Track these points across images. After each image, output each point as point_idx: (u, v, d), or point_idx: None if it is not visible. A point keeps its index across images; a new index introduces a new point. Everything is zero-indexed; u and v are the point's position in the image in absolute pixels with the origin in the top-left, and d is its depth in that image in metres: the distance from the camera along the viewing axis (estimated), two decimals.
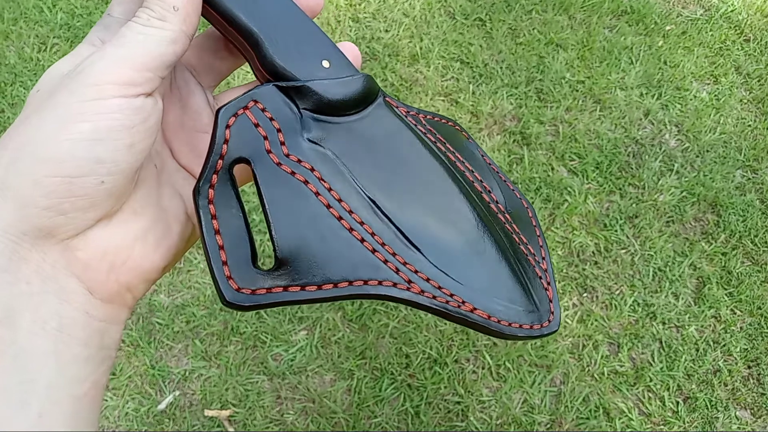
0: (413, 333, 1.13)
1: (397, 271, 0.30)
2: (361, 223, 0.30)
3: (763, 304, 1.23)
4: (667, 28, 1.63)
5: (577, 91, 1.49)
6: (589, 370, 1.14)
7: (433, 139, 0.35)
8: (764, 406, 1.14)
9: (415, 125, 0.35)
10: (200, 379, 1.09)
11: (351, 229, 0.29)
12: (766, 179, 1.40)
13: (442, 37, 1.55)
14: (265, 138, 0.30)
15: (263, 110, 0.30)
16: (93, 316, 0.27)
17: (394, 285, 0.29)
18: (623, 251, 1.27)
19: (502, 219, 0.35)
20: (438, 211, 0.32)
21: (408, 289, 0.30)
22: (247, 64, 0.34)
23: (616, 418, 1.10)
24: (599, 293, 1.22)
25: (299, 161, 0.30)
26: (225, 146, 0.29)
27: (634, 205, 1.33)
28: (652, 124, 1.46)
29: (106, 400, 1.05)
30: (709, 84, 1.55)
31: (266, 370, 1.09)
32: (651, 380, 1.14)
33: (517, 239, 0.34)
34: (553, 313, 0.33)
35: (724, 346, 1.19)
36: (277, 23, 0.32)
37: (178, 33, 0.28)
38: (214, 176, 0.28)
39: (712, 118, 1.48)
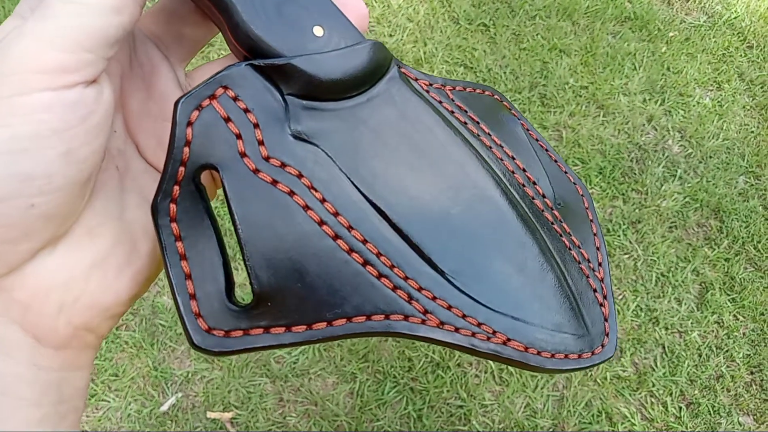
0: None
1: (410, 299, 0.24)
2: (364, 242, 0.24)
3: (766, 310, 1.23)
4: (671, 34, 1.64)
5: (580, 96, 1.49)
6: (591, 374, 1.14)
7: (462, 120, 0.28)
8: (767, 411, 1.13)
9: (440, 102, 0.28)
10: (203, 381, 1.09)
11: (350, 251, 0.24)
12: None
13: (446, 42, 1.56)
14: (239, 137, 0.23)
15: (235, 99, 0.23)
16: (44, 367, 0.22)
17: (406, 318, 0.24)
18: (626, 256, 1.27)
19: (549, 218, 0.28)
20: (465, 218, 0.26)
21: (423, 322, 0.24)
22: None
23: (618, 423, 1.10)
24: None
25: (283, 165, 0.23)
26: (186, 149, 0.23)
27: (637, 211, 1.33)
28: (656, 129, 1.46)
29: (109, 402, 1.05)
30: (712, 90, 1.56)
31: (269, 373, 1.10)
32: (654, 385, 1.13)
33: (567, 243, 0.28)
34: (608, 335, 0.27)
35: (726, 351, 1.19)
36: None
37: None
38: (176, 188, 0.22)
39: (715, 125, 1.48)
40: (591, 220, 0.30)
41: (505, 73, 1.51)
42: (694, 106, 1.51)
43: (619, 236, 1.29)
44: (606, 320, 0.27)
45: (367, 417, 1.07)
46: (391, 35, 1.56)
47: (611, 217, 1.32)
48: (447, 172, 0.26)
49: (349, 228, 0.24)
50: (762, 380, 1.16)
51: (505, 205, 0.26)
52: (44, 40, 0.19)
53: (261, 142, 0.23)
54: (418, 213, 0.25)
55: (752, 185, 1.40)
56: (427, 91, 0.28)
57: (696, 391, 1.14)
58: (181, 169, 0.22)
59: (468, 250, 0.25)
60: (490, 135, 0.28)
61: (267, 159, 0.23)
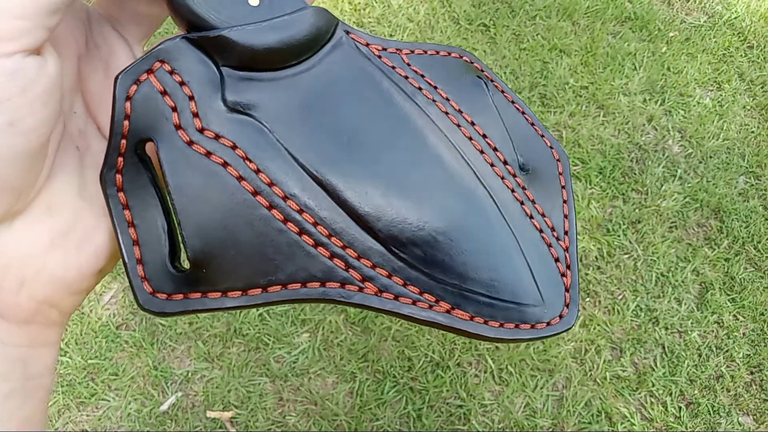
0: (416, 336, 1.14)
1: (348, 268, 0.24)
2: (300, 211, 0.24)
3: (765, 310, 1.23)
4: (671, 34, 1.64)
5: (580, 96, 1.49)
6: (591, 374, 1.14)
7: (417, 85, 0.27)
8: (767, 411, 1.13)
9: (393, 68, 0.27)
10: (203, 380, 1.09)
11: (285, 220, 0.24)
12: None
13: (446, 42, 1.56)
14: (174, 109, 0.24)
15: (171, 72, 0.24)
16: (8, 343, 0.22)
17: (342, 286, 0.24)
18: (626, 256, 1.27)
19: (509, 185, 0.27)
20: (411, 187, 0.25)
21: (361, 290, 0.24)
22: None
23: (618, 422, 1.10)
24: (602, 298, 1.22)
25: (217, 137, 0.24)
26: (126, 123, 0.23)
27: (637, 211, 1.33)
28: (656, 129, 1.46)
29: (108, 401, 1.06)
30: (712, 90, 1.56)
31: (269, 372, 1.10)
32: (653, 385, 1.13)
33: (528, 211, 0.27)
34: (568, 306, 0.26)
35: (726, 351, 1.19)
36: None
37: None
38: (120, 159, 0.24)
39: (715, 125, 1.48)
40: (563, 186, 0.28)
41: (505, 73, 1.51)
42: (694, 106, 1.51)
43: (619, 236, 1.29)
44: (567, 290, 0.27)
45: (366, 416, 1.07)
46: (391, 35, 1.56)
47: (611, 217, 1.32)
48: (392, 141, 0.25)
49: (285, 198, 0.24)
50: (762, 380, 1.16)
51: (456, 173, 0.26)
52: None
53: (196, 114, 0.24)
54: (359, 182, 0.25)
55: (752, 185, 1.40)
56: (379, 56, 0.27)
57: (696, 391, 1.14)
58: (123, 141, 0.23)
59: (412, 218, 0.25)
60: (448, 100, 0.27)
61: (202, 131, 0.24)
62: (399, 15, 1.60)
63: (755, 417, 1.13)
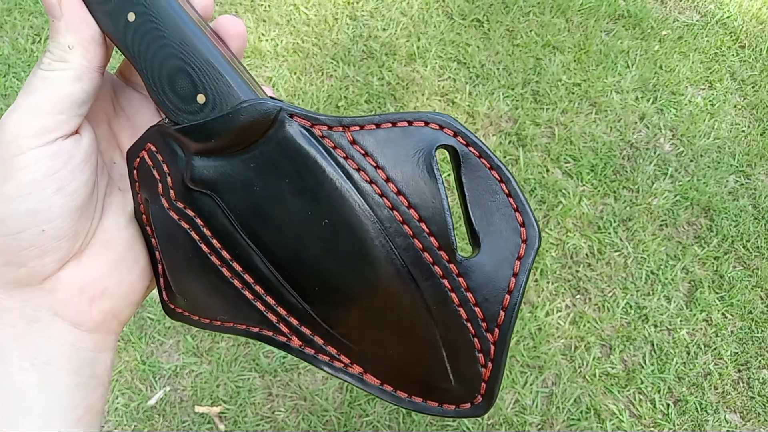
0: None
1: (279, 321, 0.29)
2: (243, 271, 0.29)
3: (753, 308, 1.24)
4: (664, 32, 1.64)
5: (573, 93, 1.49)
6: (580, 371, 1.14)
7: (355, 167, 0.28)
8: (753, 409, 1.14)
9: (334, 147, 0.28)
10: (191, 375, 1.08)
11: (232, 276, 0.29)
12: (759, 185, 1.41)
13: (439, 37, 1.55)
14: (159, 181, 0.30)
15: (157, 152, 0.30)
16: (81, 347, 0.29)
17: (274, 334, 0.30)
18: (616, 254, 1.27)
19: (440, 271, 0.28)
20: (334, 263, 0.28)
21: (288, 340, 0.29)
22: None
23: (606, 419, 1.10)
24: (592, 295, 1.22)
25: (185, 207, 0.29)
26: (137, 185, 0.30)
27: (627, 208, 1.33)
28: (647, 128, 1.47)
29: None
30: (704, 89, 1.56)
31: (258, 367, 1.09)
32: (642, 382, 1.14)
33: (457, 299, 0.28)
34: (482, 395, 0.28)
35: (714, 349, 1.19)
36: (157, 49, 0.28)
37: (80, 69, 0.27)
38: (141, 206, 0.31)
39: (706, 123, 1.49)
40: (515, 274, 0.28)
41: (498, 69, 1.51)
42: (685, 104, 1.51)
43: (609, 234, 1.29)
44: (484, 381, 0.28)
45: (356, 412, 1.07)
46: (384, 29, 1.55)
47: (602, 215, 1.32)
48: (317, 221, 0.28)
49: (231, 260, 0.29)
50: (749, 378, 1.17)
51: (375, 257, 0.28)
52: (28, 110, 0.26)
53: (171, 187, 0.30)
54: (290, 254, 0.28)
55: (742, 184, 1.41)
56: (323, 136, 0.28)
57: (684, 389, 1.15)
58: (139, 196, 0.31)
59: (331, 289, 0.28)
60: (387, 181, 0.28)
61: (175, 200, 0.30)
62: (392, 9, 1.59)
63: (742, 414, 1.14)
